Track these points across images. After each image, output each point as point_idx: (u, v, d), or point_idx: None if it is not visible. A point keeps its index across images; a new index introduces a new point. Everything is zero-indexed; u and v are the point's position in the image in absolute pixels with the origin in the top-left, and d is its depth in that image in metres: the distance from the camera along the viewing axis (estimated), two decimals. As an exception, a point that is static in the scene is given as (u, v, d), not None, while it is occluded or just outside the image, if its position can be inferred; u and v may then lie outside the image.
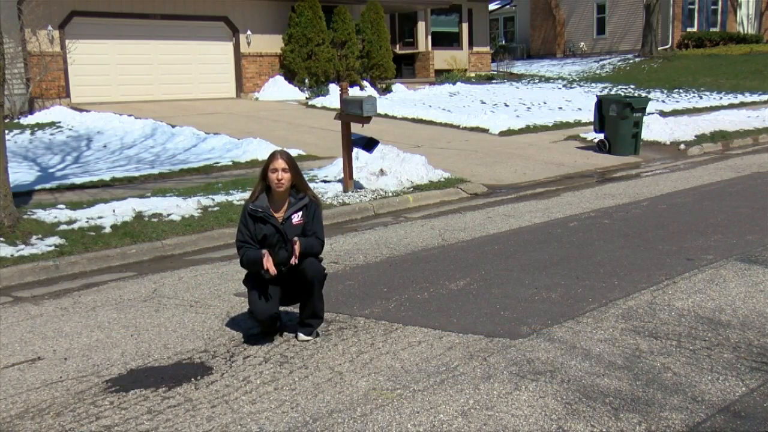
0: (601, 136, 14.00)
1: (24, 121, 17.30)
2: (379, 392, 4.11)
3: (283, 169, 4.72)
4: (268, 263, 4.65)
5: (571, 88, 26.42)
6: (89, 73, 19.98)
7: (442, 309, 5.50)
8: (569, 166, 12.74)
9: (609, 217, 8.62)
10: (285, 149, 5.02)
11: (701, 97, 23.39)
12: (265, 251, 4.71)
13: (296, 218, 4.80)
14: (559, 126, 17.25)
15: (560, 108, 20.61)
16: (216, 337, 5.09)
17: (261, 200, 4.79)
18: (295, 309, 5.18)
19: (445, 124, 17.63)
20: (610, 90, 25.18)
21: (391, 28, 28.26)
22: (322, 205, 4.96)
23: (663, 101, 22.15)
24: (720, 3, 37.73)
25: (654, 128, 15.00)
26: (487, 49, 32.04)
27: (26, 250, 7.16)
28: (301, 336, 4.97)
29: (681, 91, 24.89)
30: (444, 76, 27.72)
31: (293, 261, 4.73)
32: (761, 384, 4.06)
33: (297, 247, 4.70)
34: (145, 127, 15.80)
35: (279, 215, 4.80)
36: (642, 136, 13.95)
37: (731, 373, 4.20)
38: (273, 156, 4.76)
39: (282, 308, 5.10)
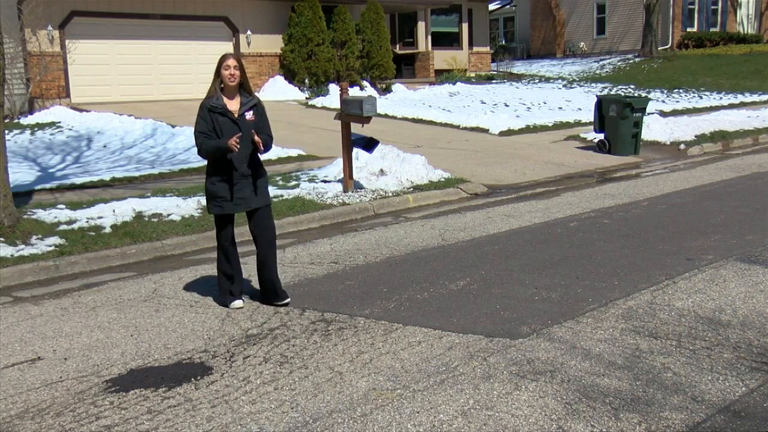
0: (601, 136, 14.00)
1: (24, 121, 17.30)
2: (379, 392, 4.11)
3: (234, 66, 5.45)
4: (231, 141, 5.26)
5: (571, 88, 26.42)
6: (89, 73, 19.98)
7: (442, 309, 5.50)
8: (569, 166, 12.74)
9: (609, 217, 8.62)
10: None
11: (701, 97, 23.39)
12: (228, 139, 5.33)
13: (249, 115, 5.53)
14: (559, 126, 17.25)
15: (560, 108, 20.61)
16: (216, 337, 5.09)
17: (218, 99, 5.46)
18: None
19: (445, 124, 17.62)
20: (610, 90, 25.19)
21: (391, 28, 28.26)
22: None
23: (663, 101, 22.15)
24: (720, 3, 37.72)
25: (654, 128, 14.99)
26: (487, 49, 32.04)
27: (26, 250, 7.16)
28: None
29: (681, 91, 24.90)
30: (444, 76, 27.72)
31: (258, 142, 5.42)
32: (761, 384, 4.06)
33: (258, 138, 5.42)
34: (146, 127, 15.80)
35: (233, 111, 5.49)
36: (642, 136, 13.94)
37: (731, 373, 4.20)
38: (224, 57, 5.51)
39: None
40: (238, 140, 5.27)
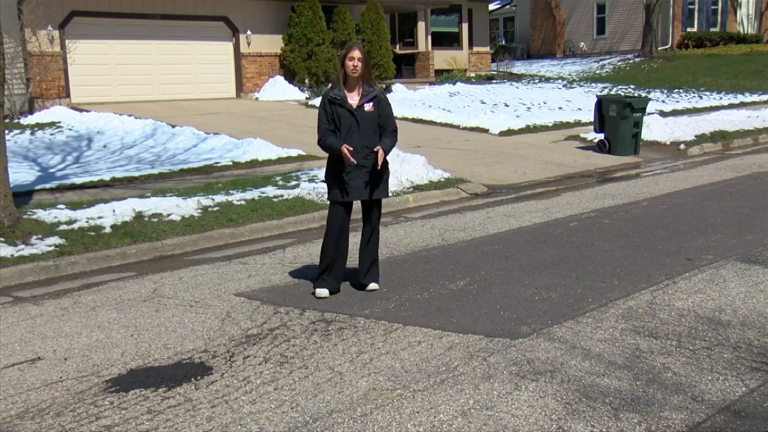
0: (601, 136, 14.00)
1: (24, 121, 17.30)
2: (379, 392, 4.11)
3: (358, 59, 5.55)
4: (348, 157, 5.47)
5: (571, 88, 26.42)
6: (89, 73, 19.99)
7: (442, 309, 5.50)
8: (569, 166, 12.74)
9: (609, 217, 8.62)
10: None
11: (701, 97, 23.39)
12: (345, 145, 5.48)
13: (368, 107, 5.64)
14: (559, 126, 17.25)
15: (560, 108, 20.61)
16: (216, 337, 5.09)
17: (339, 90, 5.63)
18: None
19: (445, 124, 17.62)
20: (610, 90, 25.18)
21: (391, 28, 28.25)
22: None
23: (663, 101, 22.15)
24: (720, 3, 37.72)
25: (654, 128, 15.00)
26: (487, 49, 32.04)
27: (26, 250, 7.16)
28: (371, 286, 5.92)
29: (681, 91, 24.89)
30: (444, 76, 27.72)
31: (379, 163, 5.59)
32: (761, 384, 4.06)
33: (381, 154, 5.57)
34: (146, 127, 15.80)
35: (353, 103, 5.63)
36: (642, 136, 13.95)
37: (731, 373, 4.20)
38: (350, 48, 5.62)
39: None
40: (350, 154, 5.47)
